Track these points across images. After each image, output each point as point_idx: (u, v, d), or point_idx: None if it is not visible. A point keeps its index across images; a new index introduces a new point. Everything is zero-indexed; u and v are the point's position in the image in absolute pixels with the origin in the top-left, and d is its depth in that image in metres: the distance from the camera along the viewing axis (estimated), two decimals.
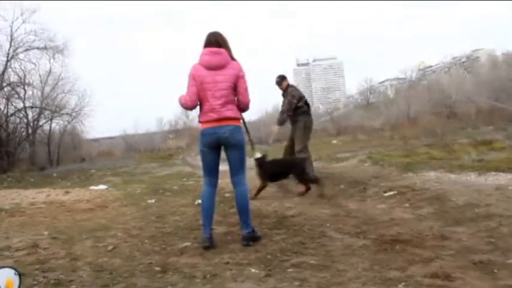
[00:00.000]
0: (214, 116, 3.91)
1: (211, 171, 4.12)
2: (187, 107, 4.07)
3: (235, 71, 3.97)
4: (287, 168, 6.59)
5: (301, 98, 7.65)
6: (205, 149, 4.04)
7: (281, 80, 7.83)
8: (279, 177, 6.68)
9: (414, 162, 8.11)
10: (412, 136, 13.81)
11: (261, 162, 6.45)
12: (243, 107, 4.12)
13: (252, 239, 3.95)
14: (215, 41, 4.00)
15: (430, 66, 78.66)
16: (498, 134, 11.06)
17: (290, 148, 7.68)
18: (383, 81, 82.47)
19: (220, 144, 4.00)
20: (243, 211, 4.02)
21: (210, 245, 3.89)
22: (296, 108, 7.53)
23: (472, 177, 6.24)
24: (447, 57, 69.33)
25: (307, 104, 7.75)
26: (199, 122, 4.04)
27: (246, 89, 4.06)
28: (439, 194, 5.22)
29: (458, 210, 4.44)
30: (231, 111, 3.96)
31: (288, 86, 7.83)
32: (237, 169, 4.07)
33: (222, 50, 3.97)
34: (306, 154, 7.39)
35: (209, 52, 3.95)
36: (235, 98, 4.04)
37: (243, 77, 4.03)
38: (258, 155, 6.41)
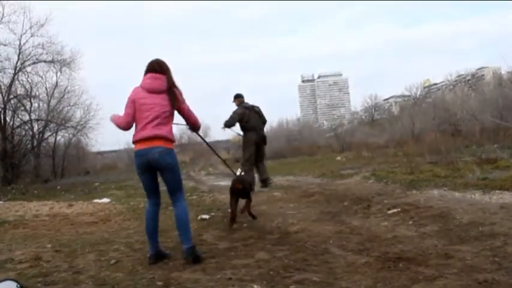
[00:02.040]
0: (144, 134, 3.97)
1: (151, 192, 4.19)
2: (121, 127, 4.12)
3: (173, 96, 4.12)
4: None
5: (243, 116, 8.90)
6: (140, 171, 4.09)
7: (234, 98, 9.20)
8: None
9: (418, 180, 8.08)
10: (416, 153, 13.76)
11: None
12: (194, 127, 4.46)
13: (193, 253, 3.95)
14: (156, 67, 4.18)
15: (435, 84, 78.78)
16: (503, 153, 11.00)
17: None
18: (388, 98, 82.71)
19: (152, 166, 4.01)
20: (183, 227, 4.06)
21: (154, 261, 3.98)
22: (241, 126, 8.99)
23: (476, 195, 6.21)
24: (452, 75, 69.54)
25: (247, 122, 8.92)
26: (133, 142, 4.10)
27: (189, 110, 4.29)
28: (443, 212, 5.20)
29: (462, 229, 4.41)
30: (163, 131, 4.00)
31: (241, 103, 9.07)
32: (174, 190, 4.13)
33: (163, 76, 4.13)
34: (247, 167, 8.57)
35: (151, 77, 4.12)
36: (174, 122, 4.19)
37: (183, 101, 4.21)
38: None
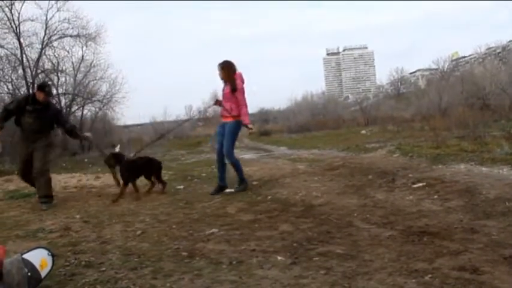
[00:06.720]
0: None
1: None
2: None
3: None
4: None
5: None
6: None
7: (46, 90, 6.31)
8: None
9: (444, 154, 7.97)
10: (443, 128, 13.55)
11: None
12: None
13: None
14: None
15: (464, 57, 76.67)
16: None
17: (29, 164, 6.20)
18: (414, 72, 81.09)
19: None
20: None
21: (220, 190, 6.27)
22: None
23: (504, 170, 6.10)
24: (482, 48, 67.56)
25: None
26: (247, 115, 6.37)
27: None
28: (469, 187, 5.13)
29: (488, 204, 4.36)
30: None
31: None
32: None
33: None
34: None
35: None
36: None
37: None
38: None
